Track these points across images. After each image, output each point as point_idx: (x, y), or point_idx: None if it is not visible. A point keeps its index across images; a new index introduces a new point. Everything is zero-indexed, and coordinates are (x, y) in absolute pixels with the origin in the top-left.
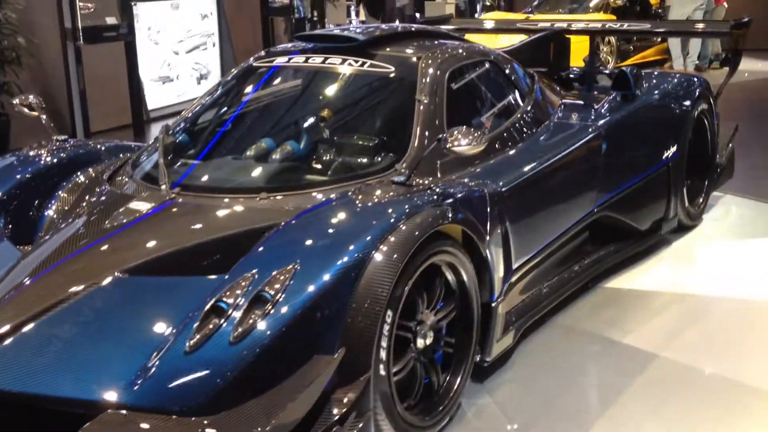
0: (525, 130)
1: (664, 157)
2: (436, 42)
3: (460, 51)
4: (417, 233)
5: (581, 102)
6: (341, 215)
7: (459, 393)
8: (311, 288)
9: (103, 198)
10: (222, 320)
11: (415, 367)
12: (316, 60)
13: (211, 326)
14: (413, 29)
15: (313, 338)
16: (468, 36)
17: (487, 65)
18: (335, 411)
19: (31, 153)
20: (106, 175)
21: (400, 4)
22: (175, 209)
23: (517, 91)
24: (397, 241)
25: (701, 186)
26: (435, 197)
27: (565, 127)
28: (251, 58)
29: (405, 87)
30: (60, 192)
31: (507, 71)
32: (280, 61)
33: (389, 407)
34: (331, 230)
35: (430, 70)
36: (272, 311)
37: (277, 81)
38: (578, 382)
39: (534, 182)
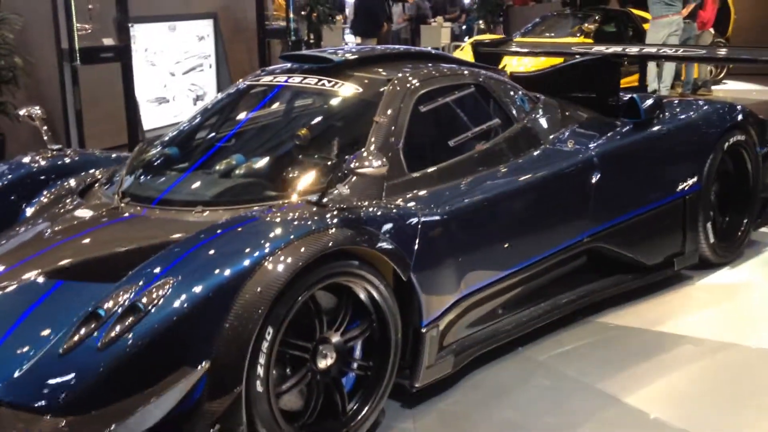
0: (501, 155)
1: (678, 189)
2: (419, 64)
3: (439, 75)
4: (304, 254)
5: (589, 129)
6: (237, 231)
7: (366, 418)
8: (185, 301)
9: (67, 205)
10: (97, 326)
11: (313, 386)
12: (295, 80)
13: (85, 331)
14: (407, 51)
15: (183, 350)
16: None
17: (470, 89)
18: (198, 423)
19: (25, 159)
20: (83, 183)
21: (396, 28)
22: (117, 220)
23: (504, 116)
24: (282, 261)
25: (740, 222)
26: (344, 219)
27: (553, 154)
28: (245, 78)
29: (368, 108)
30: (42, 196)
31: (496, 96)
32: (265, 80)
33: (270, 425)
34: (220, 245)
35: (396, 92)
36: (142, 321)
37: (255, 100)
38: (510, 419)
39: (490, 209)
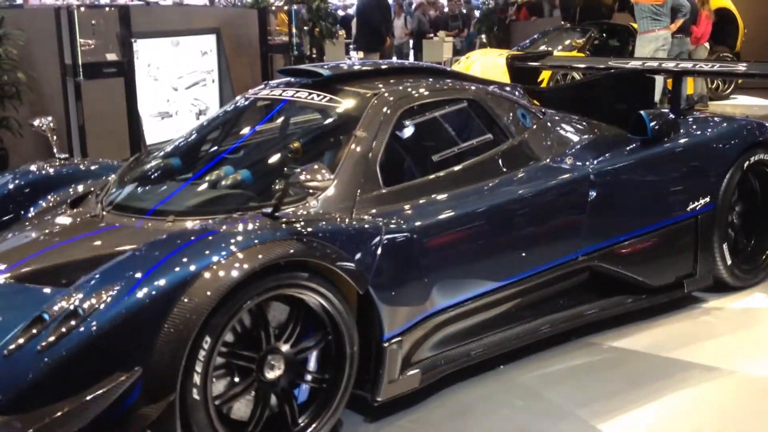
0: (489, 171)
1: (689, 209)
2: (411, 79)
3: (428, 90)
4: (244, 267)
5: (594, 146)
6: (186, 241)
7: (318, 430)
8: (122, 308)
9: (54, 214)
10: (40, 330)
11: (259, 397)
12: (288, 93)
13: (29, 335)
14: (403, 66)
15: (118, 355)
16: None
17: (462, 104)
18: (130, 428)
19: (33, 167)
20: (76, 193)
21: (399, 43)
22: (95, 228)
23: (499, 132)
24: (220, 273)
25: (765, 245)
26: (295, 231)
27: (547, 171)
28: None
29: (350, 122)
30: (43, 203)
31: (490, 111)
32: (261, 94)
33: None
34: (165, 255)
35: (379, 107)
36: (80, 326)
37: (248, 114)
38: None
39: (464, 225)
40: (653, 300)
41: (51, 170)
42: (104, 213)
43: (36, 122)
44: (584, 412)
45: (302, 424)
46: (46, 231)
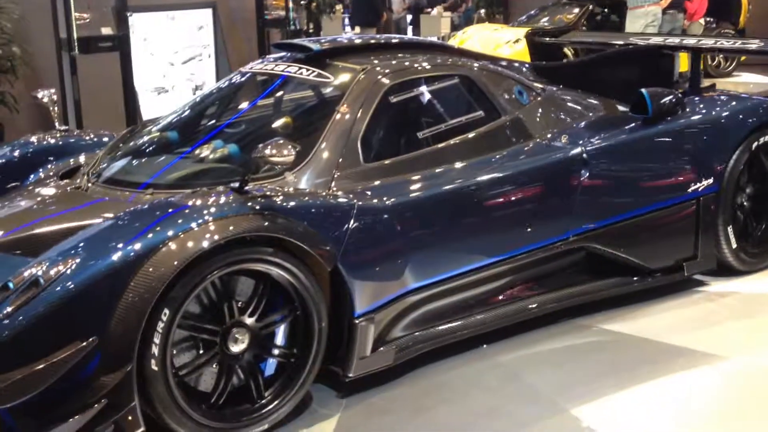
0: (477, 148)
1: (691, 190)
2: (400, 55)
3: (417, 66)
4: (204, 240)
5: (593, 124)
6: (152, 214)
7: (282, 405)
8: (82, 278)
9: (44, 186)
10: (4, 298)
11: (223, 369)
12: (279, 68)
13: None
14: (399, 41)
15: (76, 324)
16: None
17: (453, 81)
18: (86, 396)
19: (33, 139)
20: (76, 163)
21: (396, 18)
22: (83, 200)
23: (492, 109)
24: (181, 245)
25: None
26: (261, 206)
27: (539, 149)
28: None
29: (337, 97)
30: (39, 173)
31: (483, 88)
32: (257, 68)
33: (167, 404)
34: (129, 227)
35: (366, 82)
36: (39, 295)
37: (241, 87)
38: (436, 419)
39: (445, 203)
40: (651, 282)
41: (52, 141)
42: (90, 185)
43: (39, 94)
44: (558, 396)
45: (267, 398)
46: (35, 202)
